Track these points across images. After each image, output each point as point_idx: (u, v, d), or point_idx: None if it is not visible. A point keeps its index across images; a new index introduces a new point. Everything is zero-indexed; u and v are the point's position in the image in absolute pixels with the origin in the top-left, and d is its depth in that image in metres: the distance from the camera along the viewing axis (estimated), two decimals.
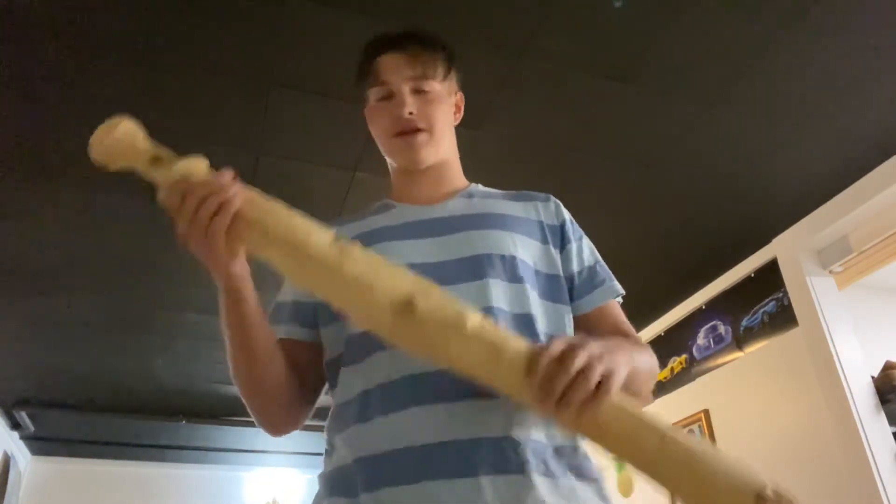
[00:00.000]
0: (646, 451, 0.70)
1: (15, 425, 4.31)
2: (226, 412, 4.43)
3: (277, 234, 0.75)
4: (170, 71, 1.90)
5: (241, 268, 0.82)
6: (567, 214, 1.07)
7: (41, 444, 4.74)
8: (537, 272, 0.97)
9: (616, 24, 1.83)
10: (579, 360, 0.68)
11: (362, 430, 0.84)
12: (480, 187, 1.11)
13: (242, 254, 0.81)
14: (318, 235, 0.75)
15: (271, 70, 1.92)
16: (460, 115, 1.14)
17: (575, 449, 0.86)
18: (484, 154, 2.30)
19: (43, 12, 1.70)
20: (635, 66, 1.98)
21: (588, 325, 0.99)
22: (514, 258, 0.94)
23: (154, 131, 2.38)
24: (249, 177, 2.35)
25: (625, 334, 0.98)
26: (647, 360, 0.91)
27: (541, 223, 1.03)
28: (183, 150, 2.55)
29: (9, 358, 3.58)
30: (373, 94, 1.04)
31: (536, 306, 0.93)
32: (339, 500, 0.84)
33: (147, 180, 0.84)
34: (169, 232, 2.96)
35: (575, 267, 1.01)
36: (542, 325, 0.92)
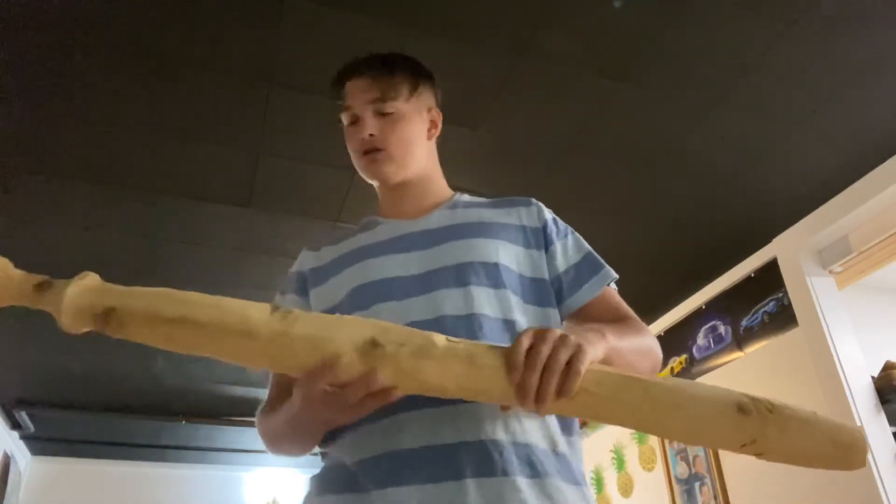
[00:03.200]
0: (635, 406, 0.72)
1: (15, 425, 4.31)
2: (226, 412, 4.43)
3: (216, 330, 0.71)
4: (170, 71, 1.90)
5: None
6: (549, 215, 1.08)
7: (41, 444, 4.75)
8: (521, 276, 0.99)
9: (616, 24, 1.84)
10: (545, 350, 0.70)
11: (352, 436, 0.87)
12: (465, 197, 1.14)
13: None
14: (255, 312, 0.72)
15: (271, 70, 1.92)
16: (437, 132, 1.16)
17: (564, 449, 0.88)
18: (484, 154, 2.30)
19: (43, 12, 1.70)
20: (635, 66, 1.98)
21: (582, 321, 0.99)
22: (496, 265, 0.96)
23: (154, 131, 2.39)
24: (250, 177, 2.35)
25: (621, 319, 0.98)
26: (638, 340, 0.92)
27: (523, 227, 1.05)
28: (184, 149, 2.55)
29: (9, 358, 3.58)
30: (344, 118, 1.10)
31: (520, 311, 0.95)
32: (329, 498, 0.86)
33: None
34: (169, 231, 2.94)
35: (560, 267, 1.02)
36: None
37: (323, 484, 0.89)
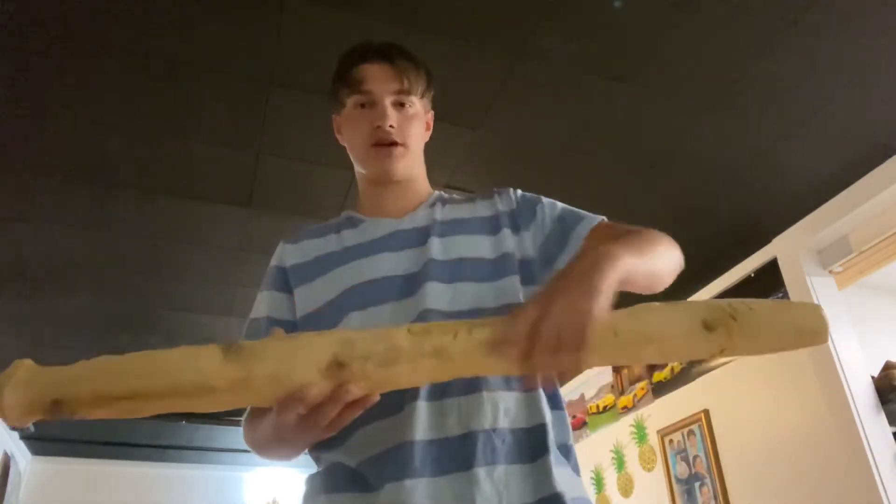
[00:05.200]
0: (610, 349, 0.72)
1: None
2: (226, 412, 4.43)
3: (173, 394, 0.67)
4: (170, 71, 1.90)
5: None
6: (519, 195, 1.07)
7: (41, 444, 4.75)
8: (505, 264, 0.97)
9: (616, 24, 1.84)
10: (547, 332, 0.65)
11: (358, 435, 0.86)
12: (444, 195, 1.13)
13: None
14: (206, 362, 0.68)
15: (271, 70, 1.92)
16: (429, 133, 1.14)
17: (554, 429, 0.88)
18: (484, 154, 2.30)
19: (44, 13, 1.70)
20: (635, 66, 1.98)
21: None
22: (483, 259, 0.97)
23: (154, 131, 2.38)
24: (249, 177, 2.35)
25: (627, 233, 0.94)
26: (653, 246, 0.87)
27: (497, 215, 1.04)
28: (184, 149, 2.55)
29: (9, 358, 3.58)
30: (352, 100, 1.05)
31: (485, 297, 0.93)
32: (337, 496, 0.86)
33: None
34: (169, 231, 2.94)
35: (548, 228, 1.01)
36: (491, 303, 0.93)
37: (327, 482, 0.88)
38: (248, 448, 0.96)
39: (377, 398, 0.71)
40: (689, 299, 3.32)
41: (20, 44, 1.78)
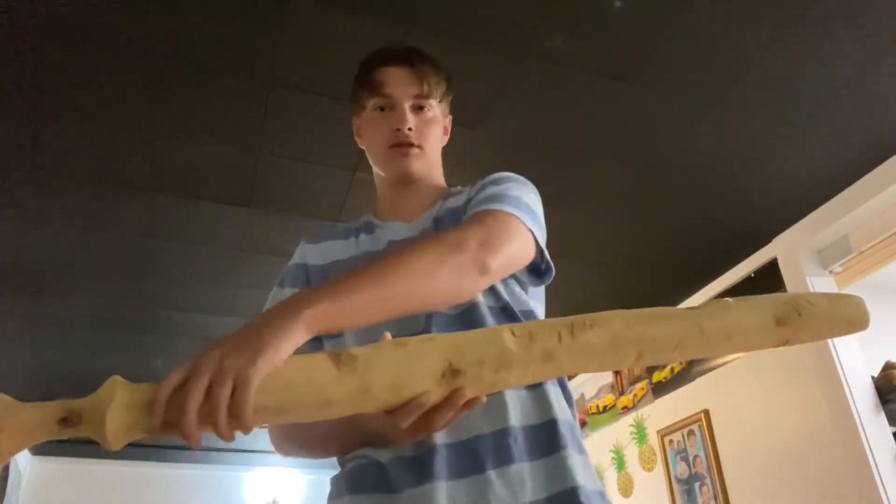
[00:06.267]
0: (692, 346, 0.76)
1: None
2: None
3: (291, 410, 0.68)
4: (170, 71, 1.90)
5: None
6: (487, 179, 1.01)
7: (41, 444, 4.74)
8: None
9: (616, 24, 1.84)
10: (192, 397, 0.61)
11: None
12: (452, 190, 1.11)
13: None
14: (322, 375, 0.67)
15: (271, 70, 1.92)
16: (447, 138, 1.15)
17: (568, 416, 0.89)
18: (484, 154, 2.30)
19: (44, 12, 1.70)
20: (635, 66, 1.98)
21: None
22: None
23: (154, 131, 2.38)
24: (249, 177, 2.35)
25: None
26: (382, 275, 0.76)
27: (469, 200, 1.00)
28: (184, 149, 2.55)
29: (9, 358, 3.58)
30: (372, 103, 1.06)
31: (507, 294, 0.95)
32: (361, 497, 0.86)
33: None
34: (169, 231, 2.92)
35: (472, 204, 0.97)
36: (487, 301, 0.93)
37: (352, 483, 0.89)
38: (278, 444, 0.95)
39: (485, 400, 0.72)
40: (689, 299, 3.31)
41: (21, 45, 1.78)
